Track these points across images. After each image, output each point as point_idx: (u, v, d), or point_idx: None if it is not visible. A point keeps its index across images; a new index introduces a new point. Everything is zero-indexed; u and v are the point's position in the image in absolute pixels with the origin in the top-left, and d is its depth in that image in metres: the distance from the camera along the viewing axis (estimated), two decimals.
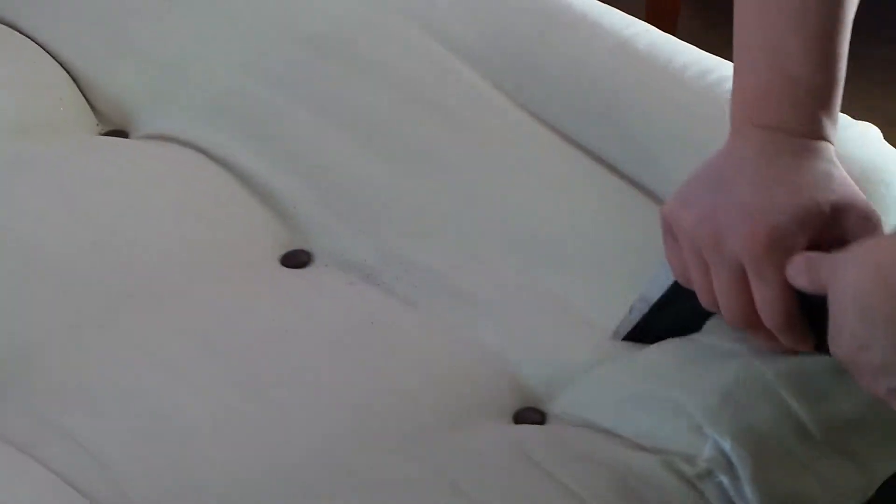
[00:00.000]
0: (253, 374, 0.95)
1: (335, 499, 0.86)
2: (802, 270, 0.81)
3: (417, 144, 1.13)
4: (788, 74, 0.86)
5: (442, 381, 0.97)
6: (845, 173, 0.87)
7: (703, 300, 0.88)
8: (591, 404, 0.94)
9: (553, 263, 1.04)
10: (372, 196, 1.10)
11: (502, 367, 0.99)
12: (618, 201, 1.07)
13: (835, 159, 0.87)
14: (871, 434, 0.93)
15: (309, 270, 1.07)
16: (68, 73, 1.25)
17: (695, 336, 0.96)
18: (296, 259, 1.07)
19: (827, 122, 0.87)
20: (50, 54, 1.26)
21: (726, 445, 0.87)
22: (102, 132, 1.21)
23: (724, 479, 0.86)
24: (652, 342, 0.97)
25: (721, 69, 1.12)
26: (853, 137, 1.04)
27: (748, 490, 0.86)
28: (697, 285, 0.87)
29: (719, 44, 1.19)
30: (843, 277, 0.77)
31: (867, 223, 0.85)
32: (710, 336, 0.95)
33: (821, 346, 0.82)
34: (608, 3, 1.21)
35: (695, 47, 1.16)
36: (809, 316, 0.83)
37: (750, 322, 0.85)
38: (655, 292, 0.95)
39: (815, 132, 0.87)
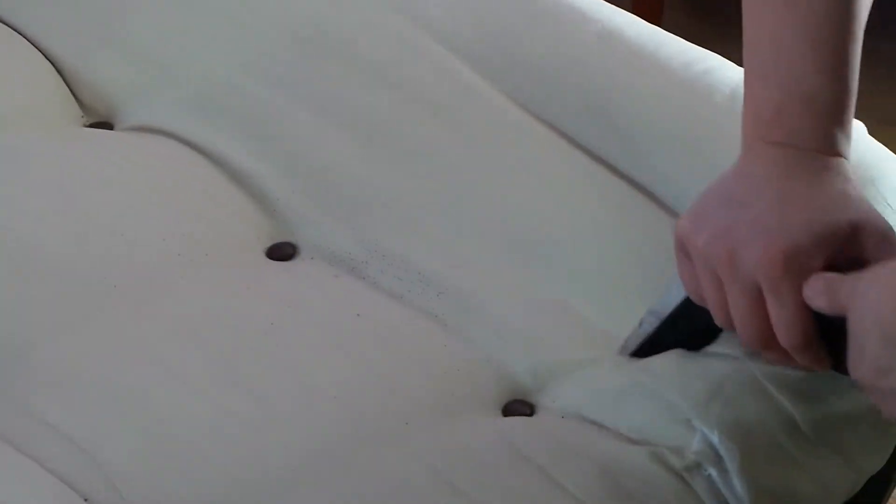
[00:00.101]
0: (242, 370, 0.95)
1: (330, 497, 0.85)
2: (820, 291, 0.79)
3: (403, 138, 1.13)
4: (801, 90, 0.85)
5: (429, 374, 0.97)
6: (861, 191, 0.85)
7: (718, 319, 0.86)
8: (581, 397, 0.94)
9: (542, 258, 1.04)
10: (356, 189, 1.10)
11: (490, 360, 0.99)
12: (613, 199, 1.07)
13: (851, 176, 0.85)
14: (860, 430, 0.93)
15: (295, 263, 1.07)
16: (52, 64, 1.24)
17: None
18: (281, 251, 1.07)
19: (841, 137, 0.86)
20: (34, 45, 1.25)
21: (714, 438, 0.87)
22: (87, 124, 1.21)
23: (713, 472, 0.86)
24: None
25: (707, 60, 1.12)
26: None
27: (736, 483, 0.86)
28: (711, 304, 0.86)
29: (705, 36, 1.19)
30: (863, 300, 0.76)
31: (885, 243, 0.83)
32: None
33: (838, 366, 0.81)
34: None
35: (681, 38, 1.16)
36: (826, 335, 0.82)
37: (766, 342, 0.84)
38: (666, 308, 0.93)
39: (829, 148, 0.85)
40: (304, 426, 0.91)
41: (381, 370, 0.96)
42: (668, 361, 0.94)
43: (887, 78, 2.15)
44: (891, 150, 1.07)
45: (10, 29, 1.26)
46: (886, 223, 0.84)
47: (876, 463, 0.95)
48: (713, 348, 0.94)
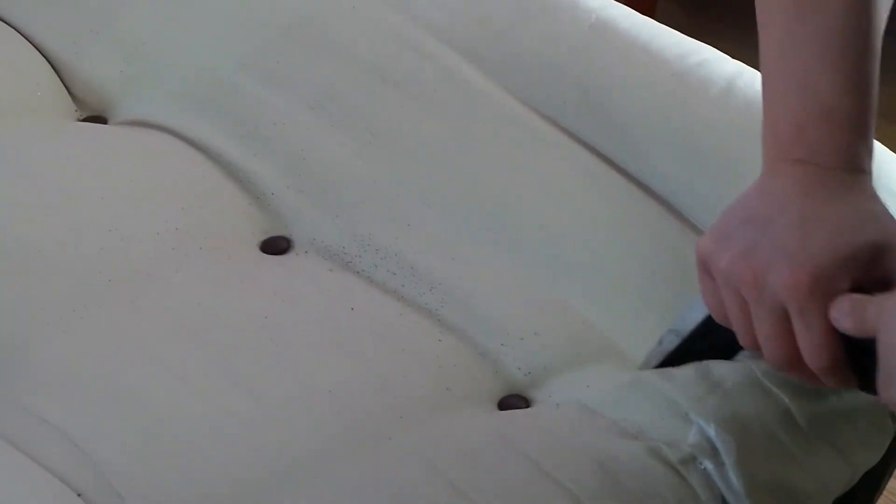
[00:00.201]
0: (237, 366, 0.94)
1: (325, 493, 0.85)
2: (847, 313, 0.78)
3: (397, 133, 1.13)
4: (821, 106, 0.84)
5: (424, 369, 0.96)
6: (886, 209, 0.84)
7: (743, 340, 0.85)
8: (577, 392, 0.94)
9: (537, 254, 1.04)
10: (350, 183, 1.10)
11: (485, 355, 0.99)
12: (610, 194, 1.07)
13: (875, 194, 0.84)
14: (856, 425, 0.93)
15: (289, 257, 1.07)
16: (46, 58, 1.24)
17: None
18: (275, 246, 1.07)
19: (863, 153, 0.85)
20: (27, 39, 1.25)
21: (711, 431, 0.87)
22: (81, 118, 1.21)
23: (709, 465, 0.86)
24: None
25: (702, 52, 1.12)
26: None
27: (733, 476, 0.86)
28: (736, 325, 0.85)
29: (698, 29, 1.19)
30: (892, 321, 0.75)
31: None
32: None
33: (864, 386, 0.80)
34: None
35: (675, 31, 1.16)
36: (852, 355, 0.80)
37: (792, 363, 0.82)
38: (687, 326, 0.93)
39: (851, 164, 0.84)
40: (300, 421, 0.91)
41: (376, 365, 0.96)
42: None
43: (885, 71, 2.14)
44: (891, 148, 1.07)
45: (3, 23, 1.26)
46: None
47: (871, 458, 0.95)
48: None
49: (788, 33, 0.85)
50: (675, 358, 0.94)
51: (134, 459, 0.87)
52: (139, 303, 0.99)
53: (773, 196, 0.83)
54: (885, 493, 1.08)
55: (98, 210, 1.07)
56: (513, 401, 0.95)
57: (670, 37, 1.14)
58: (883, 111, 0.89)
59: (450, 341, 1.00)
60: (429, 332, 1.00)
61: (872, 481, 1.00)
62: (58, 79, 1.23)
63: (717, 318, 0.87)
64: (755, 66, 1.11)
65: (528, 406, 0.95)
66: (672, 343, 0.94)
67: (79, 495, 0.84)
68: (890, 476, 1.05)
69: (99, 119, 1.20)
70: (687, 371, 0.92)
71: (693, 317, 0.92)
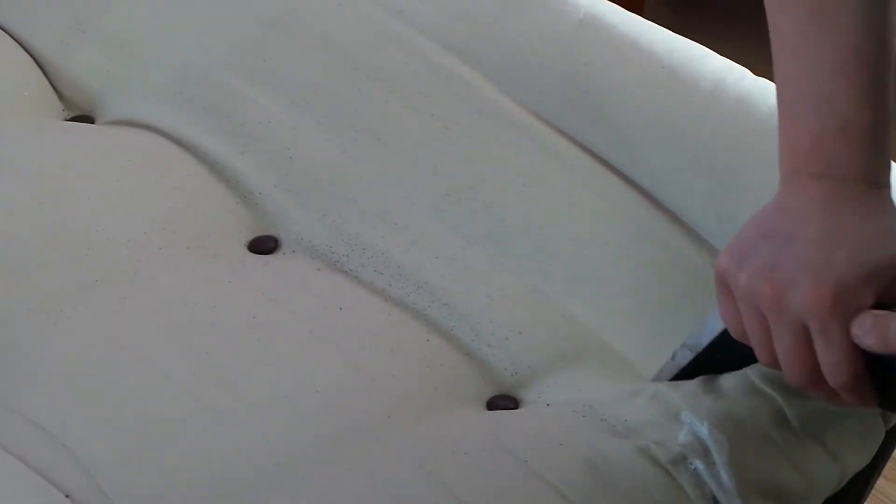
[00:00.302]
0: (225, 365, 0.94)
1: (314, 492, 0.85)
2: (869, 330, 0.77)
3: (384, 131, 1.12)
4: (839, 120, 0.83)
5: (412, 368, 0.96)
6: None
7: (762, 357, 0.84)
8: (567, 391, 0.94)
9: (525, 253, 1.04)
10: (337, 182, 1.10)
11: (471, 355, 0.99)
12: (599, 191, 1.07)
13: (894, 207, 0.84)
14: (847, 426, 0.93)
15: (276, 257, 1.06)
16: (33, 58, 1.23)
17: None
18: (263, 245, 1.07)
19: (882, 166, 0.84)
20: (14, 39, 1.24)
21: (704, 429, 0.87)
22: (68, 118, 1.21)
23: (699, 465, 0.86)
24: None
25: (692, 49, 1.12)
26: None
27: (724, 475, 0.85)
28: (755, 342, 0.84)
29: (686, 29, 1.19)
30: None
31: None
32: None
33: (885, 403, 0.81)
34: None
35: (663, 28, 1.16)
36: (874, 372, 0.80)
37: (812, 380, 0.81)
38: (702, 341, 0.92)
39: (870, 177, 0.83)
40: (287, 421, 0.90)
41: (364, 365, 0.95)
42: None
43: None
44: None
45: None
46: None
47: (862, 460, 0.95)
48: None
49: (803, 48, 0.84)
50: (689, 373, 0.93)
51: (122, 460, 0.86)
52: (127, 303, 0.98)
53: (793, 212, 0.82)
54: (874, 492, 1.08)
55: (85, 210, 1.06)
56: (501, 401, 0.95)
57: (659, 33, 1.14)
58: None
59: (437, 341, 0.99)
60: (417, 332, 1.00)
61: (861, 481, 1.00)
62: (45, 78, 1.23)
63: (735, 335, 0.86)
64: (743, 64, 1.12)
65: (516, 406, 0.95)
66: (685, 358, 0.93)
67: (67, 496, 0.84)
68: (879, 476, 1.06)
69: (86, 118, 1.20)
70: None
71: (707, 332, 0.91)
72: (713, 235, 1.03)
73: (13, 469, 0.85)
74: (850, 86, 0.83)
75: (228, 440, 0.88)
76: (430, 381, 0.95)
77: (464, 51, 1.15)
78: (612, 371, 0.95)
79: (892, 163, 0.86)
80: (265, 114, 1.14)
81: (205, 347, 0.95)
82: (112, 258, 1.02)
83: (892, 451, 1.03)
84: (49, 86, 1.22)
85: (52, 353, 0.94)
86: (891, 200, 0.84)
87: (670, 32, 1.15)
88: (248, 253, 1.06)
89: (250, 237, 1.08)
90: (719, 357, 0.91)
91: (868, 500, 1.08)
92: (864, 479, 1.01)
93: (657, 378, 0.96)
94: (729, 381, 0.91)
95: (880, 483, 1.10)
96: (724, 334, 0.88)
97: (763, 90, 1.08)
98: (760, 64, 1.07)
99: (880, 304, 0.78)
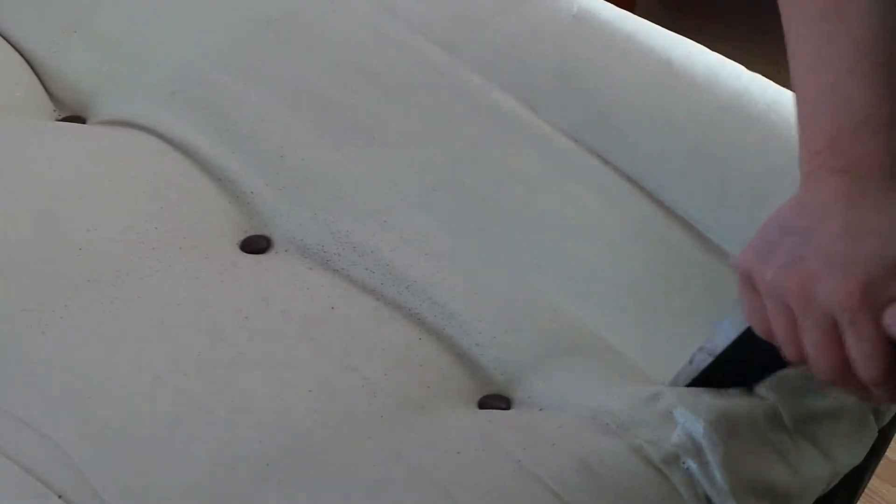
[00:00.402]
0: (217, 365, 0.94)
1: (305, 492, 0.85)
2: None
3: (376, 130, 1.13)
4: (856, 116, 0.83)
5: (404, 368, 0.96)
6: None
7: (790, 353, 0.83)
8: (559, 389, 0.94)
9: (516, 251, 1.04)
10: (328, 181, 1.10)
11: (462, 354, 0.99)
12: (593, 187, 1.07)
13: None
14: (839, 426, 0.94)
15: (268, 256, 1.06)
16: (24, 58, 1.23)
17: None
18: (255, 245, 1.07)
19: None
20: (5, 39, 1.24)
21: (699, 429, 0.87)
22: (59, 118, 1.20)
23: (692, 465, 0.86)
24: None
25: (686, 45, 1.12)
26: None
27: (718, 474, 0.86)
28: (782, 338, 0.83)
29: (678, 27, 1.19)
30: None
31: None
32: None
33: None
34: None
35: (657, 25, 1.16)
36: None
37: (842, 375, 0.81)
38: (719, 344, 0.92)
39: (890, 171, 0.83)
40: (279, 420, 0.90)
41: (356, 364, 0.95)
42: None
43: None
44: None
45: None
46: None
47: (854, 458, 0.96)
48: None
49: (818, 47, 0.85)
50: (707, 376, 0.93)
51: (115, 460, 0.86)
52: (118, 302, 0.98)
53: (813, 207, 0.82)
54: (867, 492, 1.08)
55: (77, 210, 1.06)
56: (493, 401, 0.95)
57: (653, 29, 1.14)
58: None
59: (429, 340, 0.99)
60: (408, 331, 1.00)
61: (854, 480, 1.00)
62: (36, 78, 1.22)
63: (761, 333, 0.85)
64: (736, 61, 1.12)
65: (507, 405, 0.95)
66: (704, 361, 0.93)
67: (60, 497, 0.83)
68: (871, 475, 1.06)
69: (77, 119, 1.20)
70: (676, 368, 0.92)
71: (725, 335, 0.91)
72: (710, 230, 1.03)
73: (6, 470, 0.85)
74: (865, 83, 0.83)
75: (220, 438, 0.88)
76: (422, 381, 0.95)
77: (458, 48, 1.15)
78: (608, 369, 0.95)
79: None
80: (257, 113, 1.14)
81: (197, 347, 0.95)
82: (104, 258, 1.02)
83: (884, 451, 1.03)
84: (40, 86, 1.22)
85: (44, 353, 0.94)
86: None
87: (664, 29, 1.15)
88: (240, 252, 1.06)
89: (242, 237, 1.08)
90: (738, 360, 0.91)
91: (861, 499, 1.08)
92: (857, 477, 1.01)
93: (674, 382, 0.95)
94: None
95: (873, 482, 1.10)
96: (743, 337, 0.88)
97: (761, 86, 1.08)
98: (755, 63, 1.07)
99: None
